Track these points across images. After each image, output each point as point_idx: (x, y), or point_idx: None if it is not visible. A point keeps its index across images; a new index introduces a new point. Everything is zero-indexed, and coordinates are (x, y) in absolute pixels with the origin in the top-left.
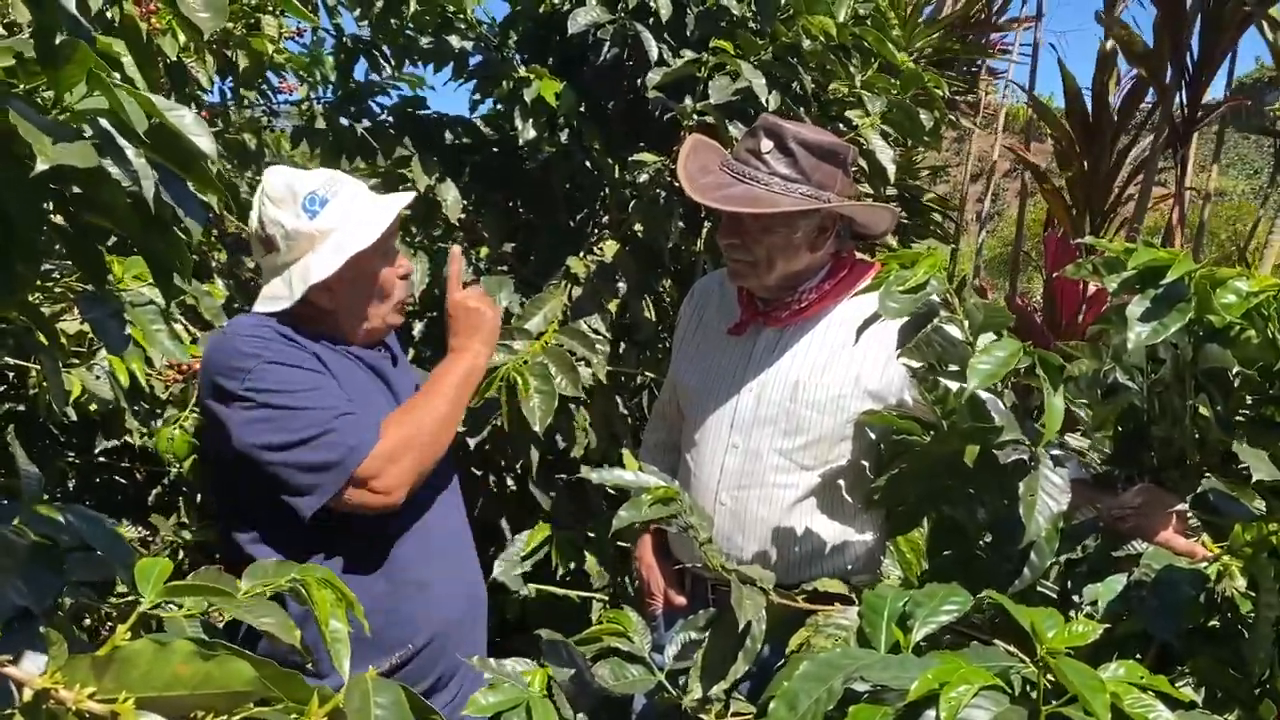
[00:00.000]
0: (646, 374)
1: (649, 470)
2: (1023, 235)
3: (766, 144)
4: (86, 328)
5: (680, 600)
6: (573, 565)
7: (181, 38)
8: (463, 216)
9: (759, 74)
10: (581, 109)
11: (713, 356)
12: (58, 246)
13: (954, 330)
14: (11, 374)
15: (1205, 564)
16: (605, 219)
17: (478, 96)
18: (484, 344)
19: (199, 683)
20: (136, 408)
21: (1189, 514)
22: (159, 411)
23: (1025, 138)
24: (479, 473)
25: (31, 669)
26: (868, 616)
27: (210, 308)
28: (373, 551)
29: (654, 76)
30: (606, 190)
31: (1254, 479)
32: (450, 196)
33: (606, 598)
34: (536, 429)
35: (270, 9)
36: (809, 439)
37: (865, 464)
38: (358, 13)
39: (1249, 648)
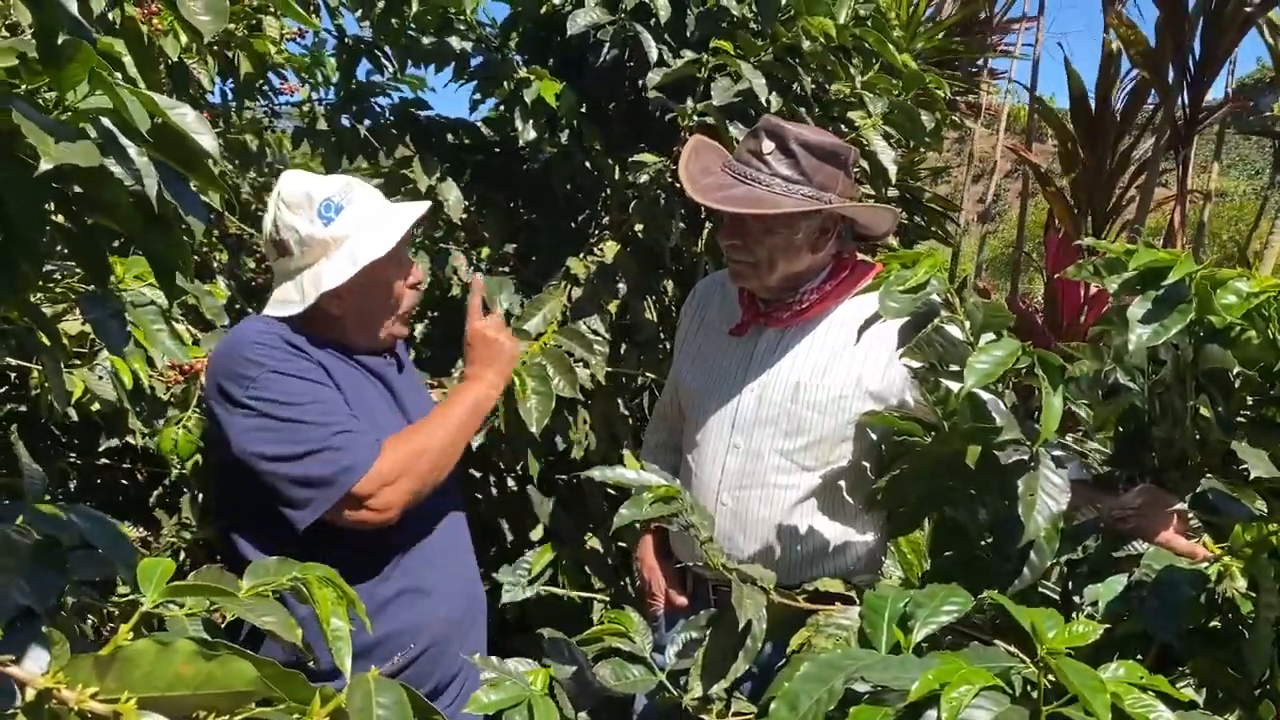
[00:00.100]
0: (647, 375)
1: (650, 469)
2: (1024, 236)
3: (768, 145)
4: (88, 328)
5: (681, 600)
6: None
7: (183, 39)
8: (464, 217)
9: (759, 75)
10: (582, 110)
11: (714, 357)
12: (60, 247)
13: (955, 330)
14: (13, 375)
15: (1206, 564)
16: (606, 220)
17: (478, 97)
18: (498, 375)
19: (201, 683)
20: (139, 408)
21: (1189, 514)
22: (160, 413)
23: (1027, 138)
24: (479, 474)
25: (34, 668)
26: (868, 617)
27: (212, 308)
28: (372, 558)
29: (654, 77)
30: (607, 191)
31: (1253, 478)
32: (452, 197)
33: (608, 598)
34: (533, 430)
35: (272, 10)
36: (810, 440)
37: (866, 465)
38: (359, 14)
39: (1249, 648)
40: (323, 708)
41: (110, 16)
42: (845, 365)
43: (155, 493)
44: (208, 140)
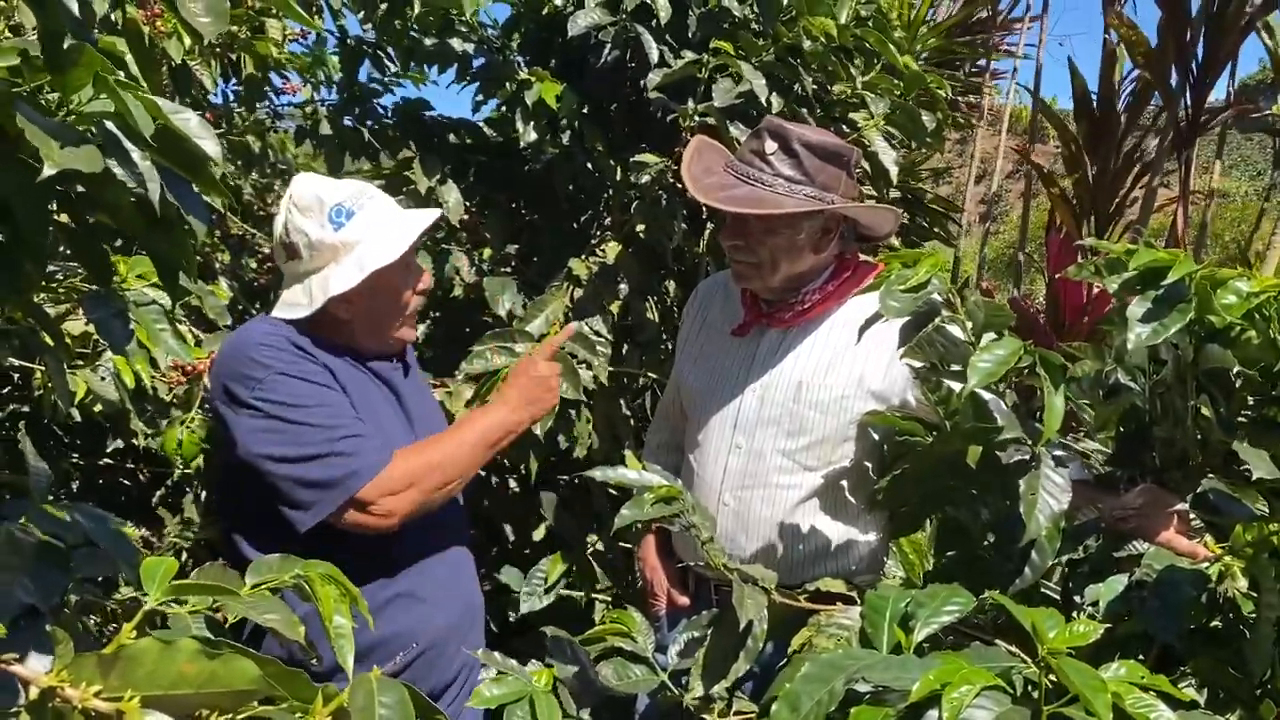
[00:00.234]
0: (649, 375)
1: (652, 469)
2: (1026, 237)
3: (770, 145)
4: (91, 328)
5: (683, 600)
6: (590, 592)
7: (186, 41)
8: (466, 218)
9: (760, 75)
10: (583, 111)
11: (716, 357)
12: (63, 247)
13: (956, 330)
14: (16, 375)
15: (1207, 564)
16: (608, 220)
17: (480, 98)
18: (527, 410)
19: (204, 681)
20: (142, 409)
21: (1190, 514)
22: (162, 414)
23: (1029, 139)
24: (482, 473)
25: (38, 666)
26: (870, 617)
27: (214, 308)
28: (373, 563)
29: (655, 78)
30: (609, 191)
31: (1254, 479)
32: (452, 198)
33: (610, 598)
34: (537, 432)
35: (274, 13)
36: (812, 439)
37: (868, 464)
38: (361, 15)
39: (1250, 648)
40: (325, 706)
41: (113, 18)
42: (847, 365)
43: (158, 493)
44: (210, 145)
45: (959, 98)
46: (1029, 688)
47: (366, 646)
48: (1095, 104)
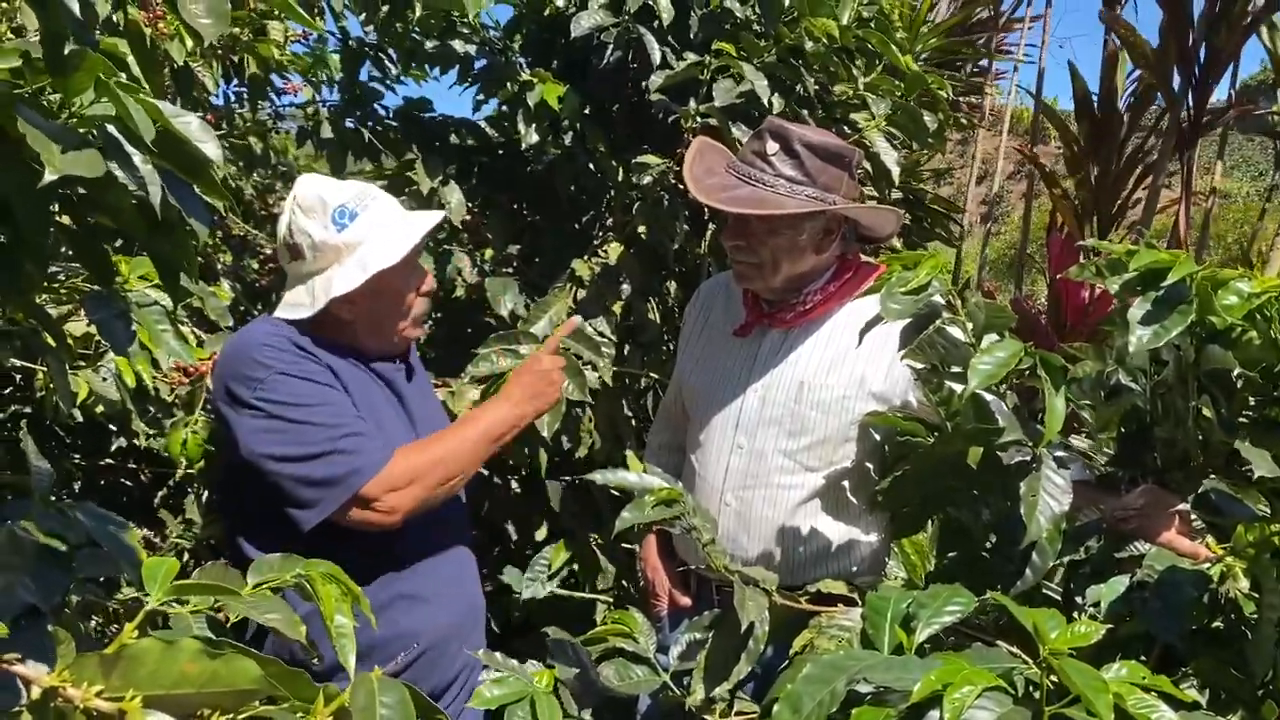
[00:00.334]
0: (651, 376)
1: (653, 471)
2: (1028, 237)
3: (772, 146)
4: (93, 329)
5: (685, 601)
6: (595, 579)
7: (189, 43)
8: (468, 218)
9: (762, 76)
10: (585, 112)
11: (718, 358)
12: (65, 248)
13: (957, 331)
14: (18, 376)
15: (1208, 565)
16: (609, 221)
17: (481, 98)
18: (531, 404)
19: (206, 681)
20: (144, 409)
21: (1192, 515)
22: (163, 415)
23: (1031, 140)
24: (484, 473)
25: (39, 666)
26: (871, 618)
27: (216, 309)
28: (375, 562)
29: (657, 79)
30: (610, 192)
31: (1256, 479)
32: (454, 199)
33: (611, 599)
34: (545, 434)
35: (276, 15)
36: (813, 440)
37: (870, 465)
38: (363, 17)
39: (1252, 649)
40: (326, 706)
41: (115, 19)
42: (849, 366)
43: (160, 493)
44: (211, 148)
45: (960, 98)
46: (1030, 688)
47: (367, 646)
48: (1097, 105)
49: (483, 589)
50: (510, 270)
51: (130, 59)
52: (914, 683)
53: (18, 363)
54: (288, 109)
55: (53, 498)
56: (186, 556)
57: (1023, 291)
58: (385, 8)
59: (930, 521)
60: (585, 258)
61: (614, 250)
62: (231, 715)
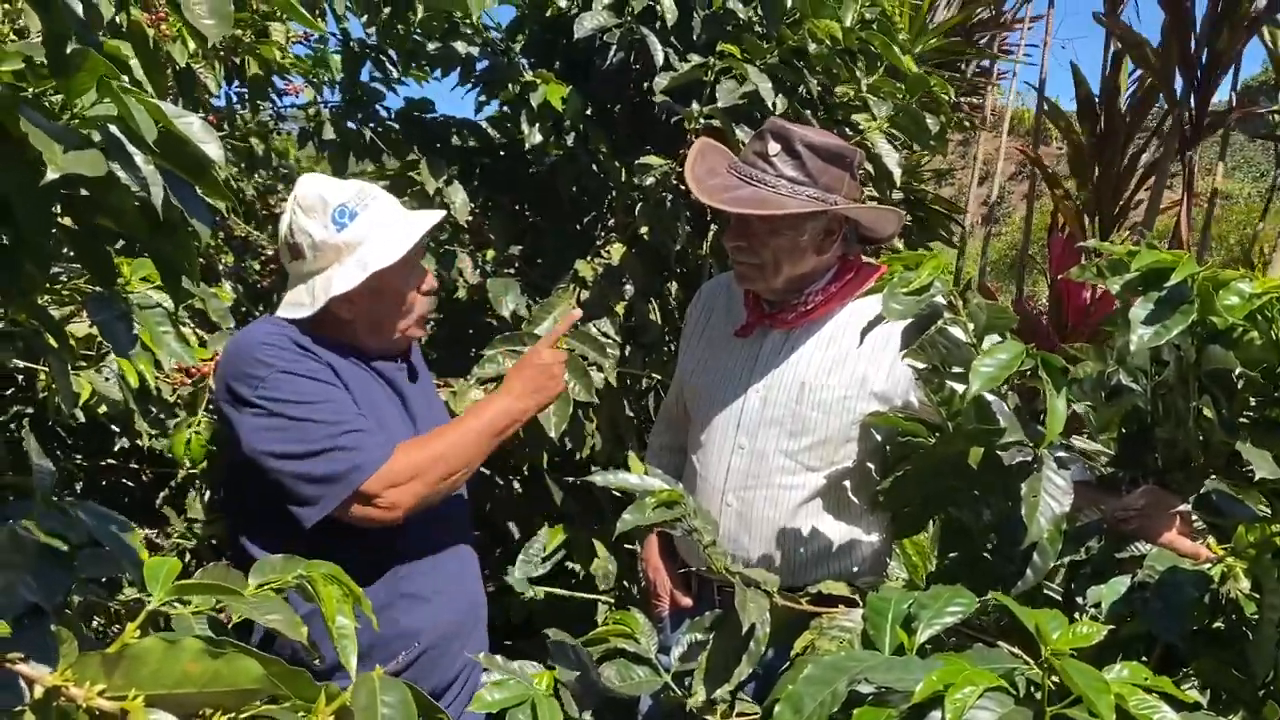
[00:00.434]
0: (653, 376)
1: (654, 473)
2: (1029, 238)
3: (774, 147)
4: (95, 330)
5: (686, 601)
6: (589, 567)
7: (191, 45)
8: (470, 219)
9: (765, 77)
10: (588, 113)
11: (719, 358)
12: (66, 250)
13: (958, 332)
14: (20, 377)
15: (1209, 566)
16: (612, 222)
17: (483, 98)
18: (532, 398)
19: (208, 680)
20: (147, 409)
21: (1193, 515)
22: (166, 415)
23: (1033, 141)
24: (487, 472)
25: (42, 666)
26: (872, 618)
27: (217, 310)
28: (377, 562)
29: (660, 80)
30: (613, 193)
31: (1257, 479)
32: (458, 199)
33: (613, 600)
34: (552, 435)
35: (279, 16)
36: (815, 440)
37: (871, 465)
38: (365, 18)
39: (1253, 649)
40: (328, 706)
41: (118, 20)
42: (850, 366)
43: (161, 494)
44: (212, 149)
45: (961, 99)
46: (1032, 689)
47: (369, 644)
48: (1099, 106)
49: (484, 588)
50: (512, 271)
51: (133, 60)
52: (915, 683)
53: (20, 363)
54: (289, 110)
55: (55, 498)
56: (189, 556)
57: (1024, 292)
58: (387, 9)
59: (931, 522)
60: (588, 258)
61: (616, 251)
62: (233, 715)
